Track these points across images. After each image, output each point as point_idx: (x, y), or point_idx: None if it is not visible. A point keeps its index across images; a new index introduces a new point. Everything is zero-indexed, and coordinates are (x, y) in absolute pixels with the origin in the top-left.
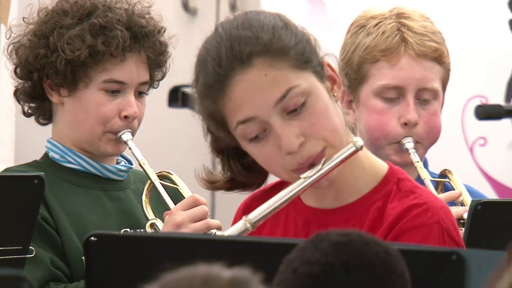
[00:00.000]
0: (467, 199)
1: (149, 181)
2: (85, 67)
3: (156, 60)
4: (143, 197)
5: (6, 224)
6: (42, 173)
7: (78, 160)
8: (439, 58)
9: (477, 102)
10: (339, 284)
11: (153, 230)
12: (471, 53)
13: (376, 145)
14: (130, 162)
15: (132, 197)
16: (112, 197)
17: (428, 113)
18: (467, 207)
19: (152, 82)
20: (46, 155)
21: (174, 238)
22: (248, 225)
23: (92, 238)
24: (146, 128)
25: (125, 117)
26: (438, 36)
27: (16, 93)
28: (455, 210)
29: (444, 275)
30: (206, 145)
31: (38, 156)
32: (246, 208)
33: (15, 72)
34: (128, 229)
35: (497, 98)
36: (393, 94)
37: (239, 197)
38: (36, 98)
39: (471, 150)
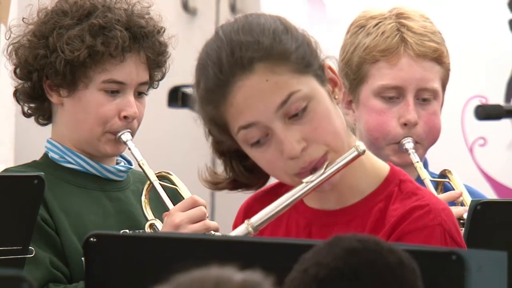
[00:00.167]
0: (467, 199)
1: (148, 182)
2: (85, 68)
3: (156, 60)
4: (143, 197)
5: (6, 224)
6: (42, 173)
7: (78, 160)
8: (438, 58)
9: (477, 102)
10: None
11: (152, 231)
12: (471, 53)
13: (375, 146)
14: (129, 163)
15: (132, 197)
16: (112, 198)
17: (427, 113)
18: (467, 207)
19: (151, 82)
20: (45, 155)
21: (174, 239)
22: (250, 228)
23: (92, 238)
24: (146, 128)
25: (125, 117)
26: (437, 36)
27: (15, 94)
28: (455, 210)
29: (444, 275)
30: (206, 146)
31: (37, 156)
32: (247, 209)
33: (14, 72)
34: (128, 230)
35: (497, 98)
36: (393, 94)
37: (239, 198)
38: (35, 99)
39: (470, 150)
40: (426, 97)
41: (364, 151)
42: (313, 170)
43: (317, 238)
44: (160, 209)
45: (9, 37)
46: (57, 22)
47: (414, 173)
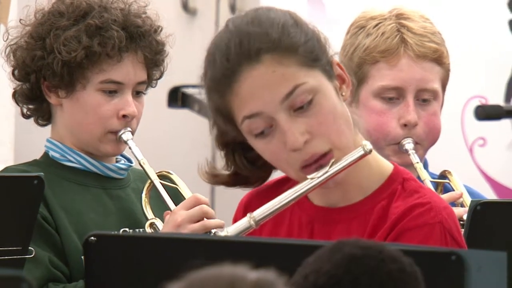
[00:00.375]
0: (467, 200)
1: (149, 181)
2: (82, 68)
3: (153, 59)
4: (143, 196)
5: (6, 225)
6: (42, 173)
7: (78, 158)
8: (438, 59)
9: (476, 102)
10: None
11: (152, 230)
12: (471, 53)
13: (375, 146)
14: (129, 160)
15: (132, 195)
16: (112, 196)
17: (427, 114)
18: (467, 208)
19: (150, 82)
20: (46, 154)
21: (174, 239)
22: (252, 222)
23: (92, 238)
24: (146, 128)
25: (124, 116)
26: (437, 37)
27: (14, 95)
28: (456, 211)
29: (443, 275)
30: (205, 145)
31: (37, 156)
32: (248, 204)
33: (13, 74)
34: (128, 228)
35: (497, 98)
36: (393, 95)
37: (239, 196)
38: (34, 100)
39: (470, 150)
40: (426, 98)
41: (370, 151)
42: (319, 167)
43: (320, 235)
44: (160, 208)
45: (7, 39)
46: (54, 23)
47: (414, 174)
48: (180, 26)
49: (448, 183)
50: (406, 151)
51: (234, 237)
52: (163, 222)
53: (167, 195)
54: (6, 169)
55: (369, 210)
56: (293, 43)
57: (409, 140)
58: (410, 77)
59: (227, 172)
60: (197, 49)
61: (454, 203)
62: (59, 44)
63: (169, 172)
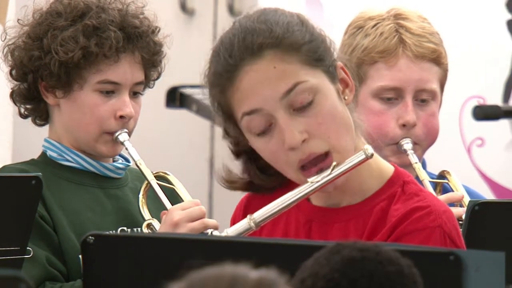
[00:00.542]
0: (465, 200)
1: (146, 182)
2: (79, 69)
3: (151, 60)
4: (140, 197)
5: (4, 225)
6: (40, 173)
7: (76, 158)
8: (437, 59)
9: (474, 102)
10: None
11: (149, 231)
12: (469, 53)
13: (374, 147)
14: (127, 160)
15: (130, 195)
16: (110, 195)
17: (426, 114)
18: (465, 208)
19: (147, 82)
20: (43, 153)
21: (172, 239)
22: (252, 224)
23: (90, 238)
24: (144, 129)
25: (121, 117)
26: (436, 37)
27: (12, 95)
28: (454, 211)
29: (442, 275)
30: (203, 146)
31: (35, 155)
32: (247, 204)
33: (10, 74)
34: (126, 227)
35: (495, 98)
36: (391, 95)
37: (237, 197)
38: (32, 100)
39: (468, 150)
40: (425, 98)
41: (372, 155)
42: (319, 170)
43: (317, 234)
44: (158, 209)
45: (5, 39)
46: (51, 23)
47: (413, 174)
48: (178, 27)
49: (447, 183)
50: (405, 151)
51: (233, 237)
52: (160, 222)
53: (164, 195)
54: (4, 168)
55: (367, 211)
56: (296, 41)
57: (408, 140)
58: (408, 78)
59: (243, 179)
60: (195, 50)
61: (453, 204)
62: (57, 44)
63: (166, 173)
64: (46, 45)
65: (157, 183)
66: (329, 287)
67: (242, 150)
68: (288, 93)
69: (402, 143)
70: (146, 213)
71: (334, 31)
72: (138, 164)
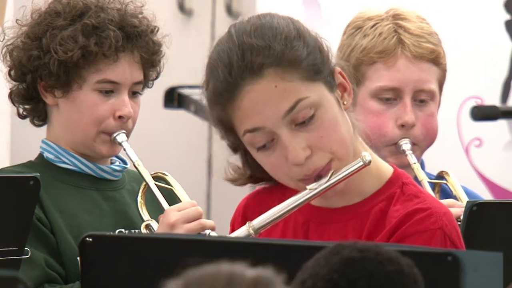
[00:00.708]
0: (464, 200)
1: (144, 183)
2: (78, 68)
3: (150, 59)
4: (139, 198)
5: (1, 225)
6: (38, 174)
7: (73, 160)
8: (435, 59)
9: (472, 103)
10: None
11: (148, 231)
12: (467, 54)
13: (372, 147)
14: (124, 162)
15: (127, 197)
16: (107, 197)
17: (425, 114)
18: (463, 208)
19: (146, 82)
20: (40, 155)
21: (170, 239)
22: (252, 231)
23: (88, 239)
24: (142, 129)
25: (120, 117)
26: (434, 38)
27: (11, 95)
28: (452, 211)
29: (440, 276)
30: (201, 146)
31: (33, 157)
32: (246, 207)
33: (9, 74)
34: (123, 229)
35: (493, 99)
36: (390, 96)
37: (235, 199)
38: (30, 100)
39: (466, 151)
40: (423, 99)
41: (370, 162)
42: (318, 177)
43: (315, 235)
44: (156, 210)
45: (3, 39)
46: (50, 23)
47: (411, 174)
48: (176, 27)
49: (445, 183)
50: (403, 151)
51: (231, 238)
52: (158, 223)
53: (162, 196)
54: (1, 170)
55: (366, 211)
56: (296, 57)
57: (406, 140)
58: (407, 78)
59: (244, 175)
60: (193, 50)
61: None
62: (56, 44)
63: (164, 173)
64: (45, 44)
65: (155, 184)
66: (328, 287)
67: (241, 146)
68: (290, 111)
69: (401, 143)
70: (145, 214)
71: (331, 30)
72: (136, 165)
